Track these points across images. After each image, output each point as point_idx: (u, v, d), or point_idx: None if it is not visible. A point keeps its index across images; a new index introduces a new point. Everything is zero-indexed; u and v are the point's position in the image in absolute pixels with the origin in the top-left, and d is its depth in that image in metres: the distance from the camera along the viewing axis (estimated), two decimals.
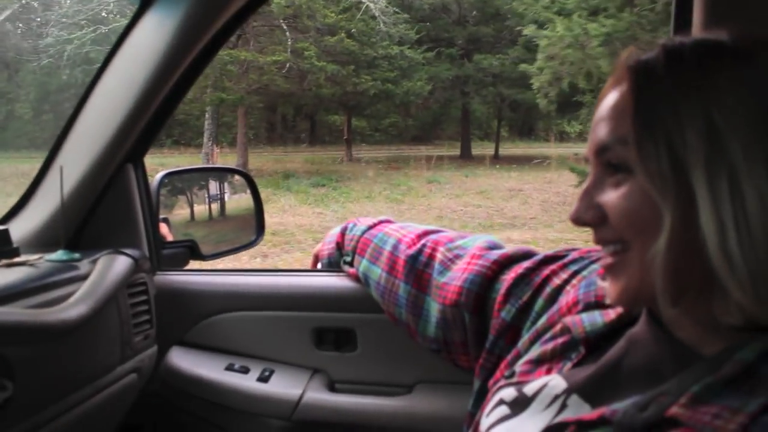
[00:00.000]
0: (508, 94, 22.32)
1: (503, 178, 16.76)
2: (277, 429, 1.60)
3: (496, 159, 21.23)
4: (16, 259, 1.39)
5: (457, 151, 22.35)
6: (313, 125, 31.62)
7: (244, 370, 1.65)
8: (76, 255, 1.46)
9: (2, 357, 1.07)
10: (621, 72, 0.82)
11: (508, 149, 24.07)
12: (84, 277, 1.38)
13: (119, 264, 1.44)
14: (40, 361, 1.21)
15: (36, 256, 1.42)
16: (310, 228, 10.43)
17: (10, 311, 1.13)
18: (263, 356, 1.68)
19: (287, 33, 17.86)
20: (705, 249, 0.71)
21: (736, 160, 0.71)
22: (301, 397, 1.58)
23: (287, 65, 17.76)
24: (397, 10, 19.95)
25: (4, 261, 1.37)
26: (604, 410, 0.78)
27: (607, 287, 0.85)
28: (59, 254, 1.45)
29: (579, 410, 0.84)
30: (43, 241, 1.53)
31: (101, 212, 1.60)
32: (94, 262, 1.45)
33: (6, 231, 1.42)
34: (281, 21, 17.89)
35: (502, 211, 12.48)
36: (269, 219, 10.79)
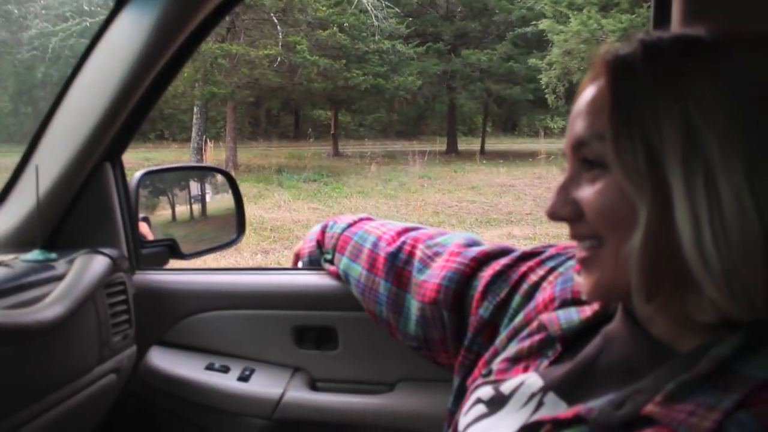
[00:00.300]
0: (495, 89, 22.30)
1: (492, 173, 16.74)
2: (258, 428, 1.59)
3: (483, 154, 21.17)
4: None
5: (442, 147, 22.32)
6: (297, 120, 31.55)
7: (225, 370, 1.64)
8: (53, 255, 1.44)
9: None
10: (599, 67, 0.81)
11: (492, 145, 24.07)
12: (60, 277, 1.36)
13: (96, 264, 1.43)
14: (16, 361, 1.20)
15: (11, 256, 1.41)
16: (307, 223, 10.38)
17: None
18: (244, 355, 1.67)
19: (278, 27, 17.71)
20: (680, 246, 0.71)
21: (712, 156, 0.71)
22: (281, 396, 1.57)
23: (278, 59, 17.66)
24: (389, 4, 19.88)
25: None
26: (579, 408, 0.78)
27: (582, 282, 0.86)
28: (35, 254, 1.43)
29: (555, 408, 0.84)
30: (19, 241, 1.51)
31: (78, 211, 1.59)
32: (71, 262, 1.43)
33: None
34: (272, 15, 17.75)
35: (496, 207, 12.46)
36: (266, 214, 10.83)
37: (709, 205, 0.70)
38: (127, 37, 1.42)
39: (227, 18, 17.42)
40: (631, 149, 0.74)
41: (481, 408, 0.95)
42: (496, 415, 0.91)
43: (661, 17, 1.29)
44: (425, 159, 17.13)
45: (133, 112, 1.53)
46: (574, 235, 0.85)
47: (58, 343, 1.31)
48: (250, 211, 10.95)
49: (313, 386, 1.63)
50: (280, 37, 17.66)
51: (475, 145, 24.46)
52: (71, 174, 1.51)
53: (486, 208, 12.32)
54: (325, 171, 16.55)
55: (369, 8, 18.87)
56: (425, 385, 1.55)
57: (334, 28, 18.28)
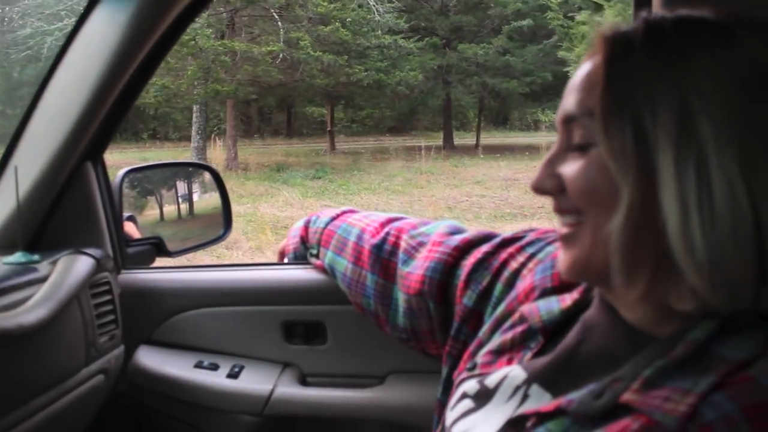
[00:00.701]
0: (492, 83, 22.22)
1: (493, 167, 16.60)
2: (248, 425, 1.58)
3: (478, 149, 21.16)
4: None
5: (434, 142, 22.25)
6: (290, 117, 31.48)
7: (214, 367, 1.63)
8: (35, 257, 1.43)
9: None
10: (597, 43, 0.80)
11: (486, 139, 23.93)
12: (43, 279, 1.35)
13: (80, 264, 1.42)
14: (1, 365, 1.18)
15: None
16: None
17: None
18: (232, 352, 1.66)
19: (279, 23, 17.57)
20: (664, 230, 0.71)
21: (706, 142, 0.70)
22: (271, 392, 1.57)
23: (280, 56, 17.47)
24: None
25: None
26: (561, 401, 0.77)
27: (560, 257, 0.85)
28: (17, 256, 1.42)
29: (540, 400, 0.83)
30: (0, 243, 1.50)
31: (61, 212, 1.57)
32: (54, 263, 1.42)
33: None
34: (272, 11, 17.62)
35: (507, 201, 12.35)
36: (279, 213, 10.76)
37: (698, 191, 0.69)
38: (101, 35, 1.41)
39: (226, 14, 17.36)
40: (620, 128, 0.73)
41: (467, 403, 0.94)
42: (482, 410, 0.91)
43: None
44: (421, 153, 17.09)
45: (113, 110, 1.52)
46: (557, 209, 0.84)
47: (44, 345, 1.30)
48: (263, 209, 10.94)
49: (304, 381, 1.62)
50: (282, 33, 17.51)
51: (468, 139, 24.42)
52: (52, 174, 1.50)
53: (497, 202, 12.21)
54: (327, 168, 16.44)
55: (371, 3, 18.72)
56: (415, 376, 1.54)
57: (336, 24, 18.15)
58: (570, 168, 0.81)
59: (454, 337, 1.18)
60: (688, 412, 0.67)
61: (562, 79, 18.67)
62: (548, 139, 19.18)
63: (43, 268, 1.41)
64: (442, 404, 1.13)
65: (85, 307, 1.43)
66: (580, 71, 0.82)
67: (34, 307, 1.21)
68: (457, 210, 11.56)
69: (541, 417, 0.78)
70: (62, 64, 1.46)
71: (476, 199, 12.63)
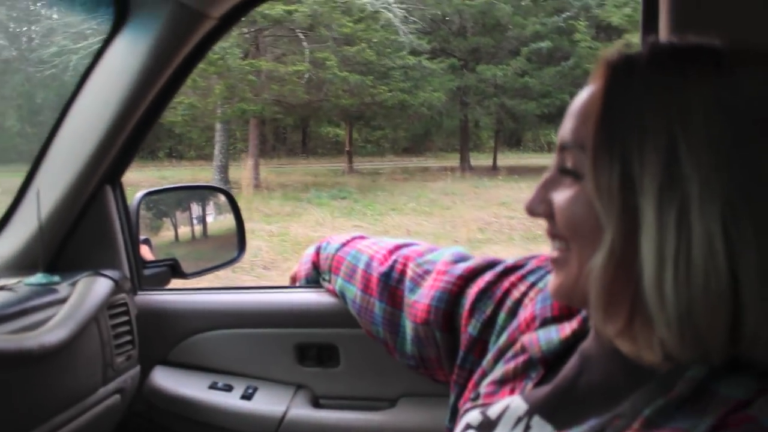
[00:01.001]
0: (510, 105, 22.10)
1: (514, 189, 16.37)
2: None
3: (495, 170, 21.04)
4: None
5: (449, 162, 22.24)
6: (305, 137, 31.62)
7: (228, 389, 1.64)
8: (55, 278, 1.46)
9: None
10: (600, 68, 0.78)
11: (500, 160, 23.80)
12: (63, 300, 1.38)
13: (99, 286, 1.44)
14: (21, 385, 1.21)
15: (14, 280, 1.42)
16: None
17: None
18: (246, 374, 1.68)
19: (304, 43, 17.63)
20: (641, 276, 0.70)
21: (690, 192, 0.68)
22: (284, 414, 1.58)
23: (306, 75, 17.53)
24: (415, 19, 19.77)
25: None
26: None
27: (551, 279, 0.86)
28: (38, 278, 1.45)
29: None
30: (21, 264, 1.53)
31: (80, 234, 1.61)
32: (74, 284, 1.45)
33: None
34: (298, 31, 17.68)
35: (536, 223, 12.11)
36: (312, 233, 10.65)
37: (677, 243, 0.67)
38: (124, 60, 1.45)
39: (249, 34, 17.46)
40: (608, 166, 0.72)
41: None
42: None
43: (649, 25, 1.29)
44: (449, 174, 16.93)
45: (132, 134, 1.55)
46: (549, 233, 0.85)
47: (63, 365, 1.32)
48: (294, 230, 10.88)
49: (316, 403, 1.63)
50: (307, 53, 17.55)
51: (482, 160, 24.28)
52: (72, 197, 1.53)
53: (527, 224, 11.90)
54: (349, 188, 16.33)
55: (397, 24, 18.71)
56: (426, 400, 1.55)
57: (363, 45, 18.20)
58: (560, 196, 0.81)
59: (460, 366, 1.19)
60: None
61: None
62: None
63: (63, 289, 1.43)
64: (450, 431, 1.14)
65: (103, 327, 1.46)
66: (581, 96, 0.82)
67: (55, 328, 1.24)
68: (489, 232, 11.43)
69: None
70: (84, 88, 1.49)
71: (505, 220, 12.46)
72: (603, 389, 0.81)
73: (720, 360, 0.69)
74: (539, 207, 0.84)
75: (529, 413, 0.87)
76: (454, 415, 1.15)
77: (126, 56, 1.44)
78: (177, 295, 1.77)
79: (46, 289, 1.42)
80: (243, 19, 1.46)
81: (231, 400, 1.62)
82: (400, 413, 1.57)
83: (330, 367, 1.63)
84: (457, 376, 1.18)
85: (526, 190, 15.89)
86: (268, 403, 1.61)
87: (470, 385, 1.09)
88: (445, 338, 1.26)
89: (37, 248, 1.50)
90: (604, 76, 0.76)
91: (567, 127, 0.81)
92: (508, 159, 25.34)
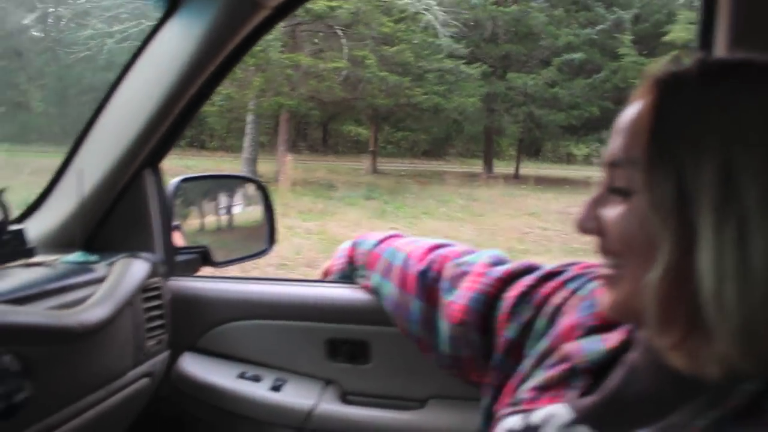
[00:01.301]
0: (539, 114, 21.95)
1: (542, 199, 16.24)
2: None
3: (517, 178, 20.89)
4: (33, 260, 1.39)
5: (469, 168, 22.17)
6: (326, 134, 31.70)
7: (256, 379, 1.64)
8: (93, 257, 1.47)
9: (22, 357, 1.07)
10: (648, 84, 0.78)
11: (521, 169, 23.71)
12: (100, 280, 1.38)
13: (136, 268, 1.45)
14: (58, 362, 1.21)
15: (53, 257, 1.43)
16: None
17: (32, 312, 1.13)
18: (275, 365, 1.67)
19: (343, 40, 17.55)
20: (700, 292, 0.69)
21: (749, 207, 0.68)
22: (313, 407, 1.58)
23: (344, 73, 17.49)
24: (455, 22, 19.71)
25: (22, 261, 1.38)
26: None
27: (603, 296, 0.85)
28: (77, 256, 1.45)
29: None
30: (59, 242, 1.54)
31: (117, 216, 1.62)
32: (111, 265, 1.45)
33: (22, 231, 1.42)
34: (337, 28, 17.60)
35: (571, 235, 11.94)
36: (350, 233, 10.53)
37: (736, 257, 0.68)
38: (174, 46, 1.45)
39: (286, 27, 17.40)
40: (662, 182, 0.72)
41: None
42: None
43: (706, 40, 1.28)
44: (469, 180, 16.76)
45: (175, 121, 1.56)
46: (600, 249, 0.84)
47: (98, 345, 1.32)
48: (332, 228, 10.74)
49: (345, 399, 1.63)
50: (346, 50, 17.48)
51: (502, 167, 24.14)
52: (113, 179, 1.54)
53: (562, 237, 11.72)
54: (377, 189, 16.21)
55: (437, 26, 18.62)
56: (457, 403, 1.54)
57: (403, 45, 18.15)
58: (611, 212, 0.81)
59: (495, 368, 1.19)
60: None
61: (606, 114, 18.49)
62: (583, 173, 18.92)
63: (100, 268, 1.43)
64: None
65: (137, 310, 1.46)
66: (629, 112, 0.81)
67: (94, 307, 1.24)
68: (527, 242, 11.23)
69: None
70: (132, 71, 1.50)
71: (539, 231, 12.29)
72: (651, 400, 0.80)
73: None
74: (589, 223, 0.84)
75: (575, 422, 0.86)
76: (488, 419, 1.14)
77: (177, 41, 1.44)
78: (209, 283, 1.77)
79: (84, 267, 1.42)
80: None
81: (260, 391, 1.62)
82: (429, 414, 1.56)
83: (360, 363, 1.63)
84: (492, 378, 1.18)
85: (553, 202, 15.86)
86: (296, 396, 1.61)
87: (507, 390, 1.09)
88: (481, 340, 1.26)
89: (75, 227, 1.51)
90: (653, 91, 0.76)
91: (616, 144, 0.81)
92: (527, 168, 25.18)
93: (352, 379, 1.63)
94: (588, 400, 0.88)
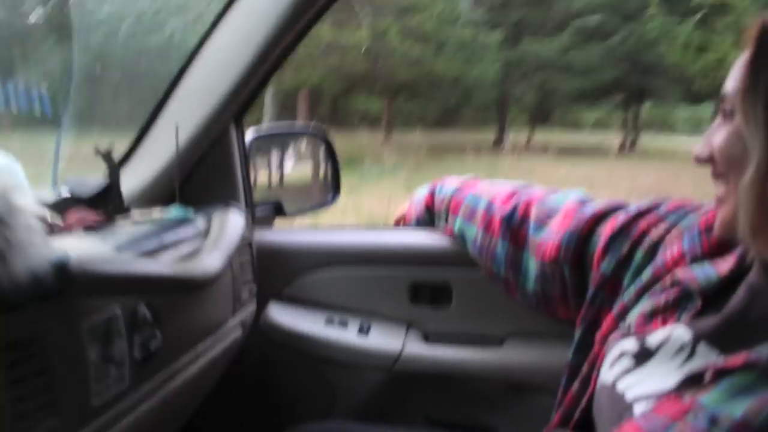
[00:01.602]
0: (553, 81, 21.27)
1: (572, 170, 15.00)
2: (377, 381, 1.65)
3: (528, 149, 20.38)
4: (139, 217, 1.43)
5: (482, 136, 21.82)
6: (336, 108, 31.49)
7: (344, 324, 1.69)
8: (191, 211, 1.50)
9: (153, 307, 1.11)
10: (754, 28, 0.87)
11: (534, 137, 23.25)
12: (203, 233, 1.42)
13: (235, 220, 1.48)
14: (179, 311, 1.25)
15: (154, 213, 1.46)
16: None
17: (162, 264, 1.17)
18: (360, 310, 1.72)
19: (365, 10, 17.15)
20: None
21: None
22: (401, 350, 1.62)
23: (365, 46, 17.17)
24: None
25: (126, 218, 1.42)
26: (749, 355, 0.81)
27: (717, 216, 0.94)
28: (177, 211, 1.48)
29: (707, 357, 0.88)
30: (153, 197, 1.58)
31: (203, 169, 1.65)
32: (210, 218, 1.48)
33: (119, 190, 1.45)
34: None
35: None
36: (387, 209, 10.14)
37: None
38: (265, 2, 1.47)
39: None
40: (753, 100, 0.82)
41: (627, 361, 0.98)
42: (646, 366, 0.95)
43: None
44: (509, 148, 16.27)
45: (262, 76, 1.58)
46: (712, 174, 0.94)
47: (210, 295, 1.36)
48: (366, 204, 10.38)
49: (427, 340, 1.68)
50: (368, 21, 17.11)
51: (513, 135, 23.75)
52: (202, 133, 1.58)
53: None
54: (399, 162, 15.70)
55: None
56: (534, 339, 1.60)
57: (424, 14, 17.76)
58: (717, 137, 0.90)
59: (589, 303, 1.22)
60: None
61: (620, 80, 18.08)
62: (593, 139, 18.51)
63: (200, 222, 1.47)
64: (573, 366, 1.19)
65: (234, 261, 1.49)
66: (740, 58, 0.91)
67: (209, 258, 1.28)
68: None
69: (723, 372, 0.82)
70: (221, 24, 1.53)
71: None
72: None
73: None
74: (703, 151, 0.94)
75: (695, 340, 0.91)
76: (580, 350, 1.20)
77: None
78: (288, 235, 1.82)
79: (186, 221, 1.45)
80: None
81: (348, 336, 1.67)
82: (510, 350, 1.62)
83: (441, 305, 1.67)
84: (586, 311, 1.22)
85: (580, 169, 15.36)
86: (384, 339, 1.66)
87: (607, 320, 1.13)
88: (574, 275, 1.30)
89: (168, 181, 1.54)
90: (756, 35, 0.85)
91: (728, 83, 0.91)
92: (538, 136, 24.77)
93: (434, 320, 1.68)
94: (708, 321, 0.93)
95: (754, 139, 0.82)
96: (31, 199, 1.24)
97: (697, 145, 0.95)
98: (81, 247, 1.14)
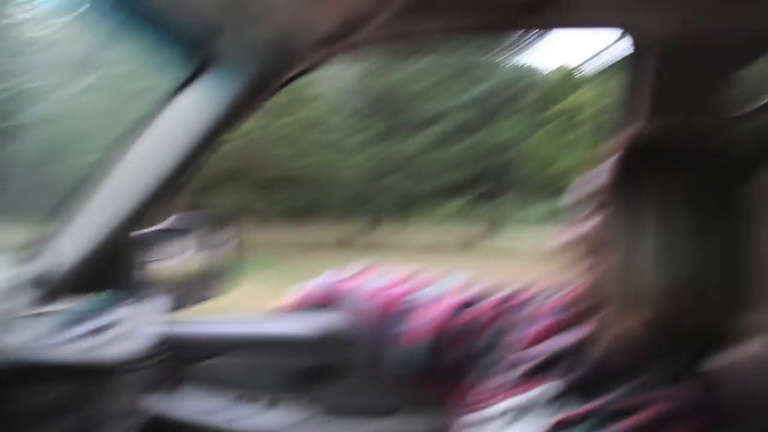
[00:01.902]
0: (412, 180, 21.27)
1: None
2: None
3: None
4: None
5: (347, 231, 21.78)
6: (205, 200, 30.55)
7: (236, 409, 1.77)
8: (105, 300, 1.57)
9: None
10: (611, 148, 1.10)
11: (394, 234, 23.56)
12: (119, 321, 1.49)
13: (141, 311, 1.59)
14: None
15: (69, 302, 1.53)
16: None
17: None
18: (251, 395, 1.80)
19: None
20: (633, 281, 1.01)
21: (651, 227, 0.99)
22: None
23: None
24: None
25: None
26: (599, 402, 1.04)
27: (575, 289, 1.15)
28: (93, 300, 1.55)
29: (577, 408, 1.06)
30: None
31: (105, 262, 1.68)
32: (114, 309, 1.55)
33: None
34: None
35: None
36: (264, 302, 9.61)
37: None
38: (191, 113, 1.59)
39: None
40: (623, 192, 1.04)
41: (504, 419, 1.13)
42: (522, 422, 1.10)
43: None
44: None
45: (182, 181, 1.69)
46: (575, 256, 1.14)
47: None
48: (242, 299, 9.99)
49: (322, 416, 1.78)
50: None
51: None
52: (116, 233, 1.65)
53: None
54: (272, 257, 15.49)
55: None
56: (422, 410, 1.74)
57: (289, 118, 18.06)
58: (589, 224, 1.10)
59: (453, 381, 1.35)
60: None
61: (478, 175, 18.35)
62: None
63: (105, 313, 1.51)
64: None
65: (140, 350, 1.52)
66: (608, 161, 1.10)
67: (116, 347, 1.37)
68: None
69: (583, 417, 1.03)
70: (147, 132, 1.63)
71: None
72: (625, 368, 1.06)
73: None
74: (571, 238, 1.15)
75: (566, 393, 1.10)
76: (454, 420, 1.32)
77: (189, 115, 1.59)
78: (188, 324, 1.88)
79: (91, 312, 1.50)
80: None
81: (242, 420, 1.76)
82: (399, 422, 1.76)
83: (328, 385, 1.78)
84: (453, 389, 1.35)
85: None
86: (277, 420, 1.76)
87: (474, 394, 1.26)
88: (433, 361, 1.42)
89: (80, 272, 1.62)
90: (626, 142, 1.09)
91: (596, 178, 1.11)
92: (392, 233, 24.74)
93: (325, 398, 1.79)
94: (575, 375, 1.10)
95: (614, 237, 1.01)
96: None
97: (563, 235, 1.14)
98: None
